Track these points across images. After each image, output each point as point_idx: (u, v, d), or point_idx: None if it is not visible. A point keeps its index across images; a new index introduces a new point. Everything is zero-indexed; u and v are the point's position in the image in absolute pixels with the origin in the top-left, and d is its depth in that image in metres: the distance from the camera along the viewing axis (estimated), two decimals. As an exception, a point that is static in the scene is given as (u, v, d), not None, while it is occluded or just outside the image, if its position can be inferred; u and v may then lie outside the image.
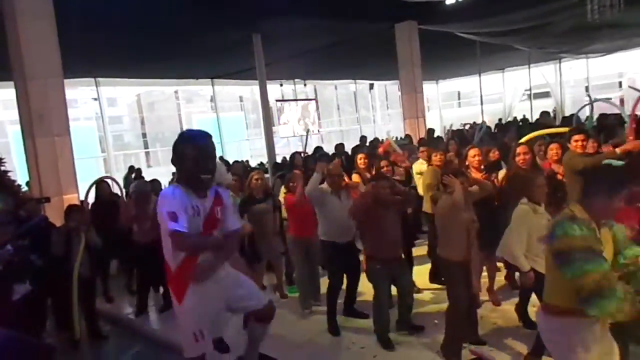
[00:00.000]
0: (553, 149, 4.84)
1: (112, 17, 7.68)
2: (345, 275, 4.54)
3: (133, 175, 11.10)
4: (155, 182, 6.56)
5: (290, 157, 8.66)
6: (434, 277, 5.12)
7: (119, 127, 19.34)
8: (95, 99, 14.32)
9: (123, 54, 10.30)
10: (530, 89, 19.01)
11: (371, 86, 21.14)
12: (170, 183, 2.98)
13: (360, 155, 5.99)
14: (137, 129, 18.49)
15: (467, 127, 12.79)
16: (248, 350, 3.28)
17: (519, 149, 4.52)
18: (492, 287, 4.64)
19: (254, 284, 3.21)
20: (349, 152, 9.62)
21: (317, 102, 17.44)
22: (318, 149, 11.08)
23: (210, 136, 2.87)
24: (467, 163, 4.66)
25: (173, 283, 2.77)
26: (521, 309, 3.99)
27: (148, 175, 10.92)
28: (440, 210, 3.73)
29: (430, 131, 11.93)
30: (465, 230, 3.54)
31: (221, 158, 11.32)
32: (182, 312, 2.74)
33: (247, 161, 13.64)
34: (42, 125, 6.19)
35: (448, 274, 3.68)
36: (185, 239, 2.60)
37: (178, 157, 2.78)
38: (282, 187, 5.47)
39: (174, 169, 3.01)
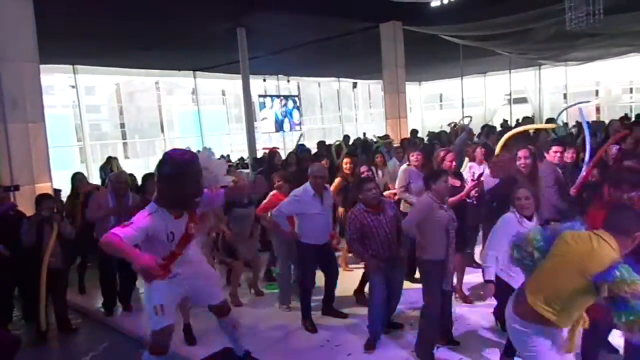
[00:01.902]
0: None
1: (94, 2, 7.50)
2: (324, 275, 4.55)
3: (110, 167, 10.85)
4: (130, 177, 6.34)
5: (269, 154, 8.60)
6: (407, 276, 5.14)
7: (97, 116, 18.90)
8: (73, 87, 13.98)
9: (103, 42, 10.09)
10: (510, 94, 19.34)
11: (354, 85, 21.19)
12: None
13: (345, 160, 6.02)
14: (115, 119, 18.09)
15: (453, 125, 12.87)
16: (232, 343, 3.61)
17: (520, 153, 4.34)
18: (461, 285, 4.70)
19: (217, 281, 3.41)
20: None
21: (299, 98, 17.40)
22: (300, 145, 11.07)
23: (197, 157, 2.99)
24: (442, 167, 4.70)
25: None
26: (499, 311, 4.04)
27: (126, 167, 10.73)
28: (417, 210, 3.73)
29: (414, 132, 12.02)
30: (444, 230, 3.54)
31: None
32: (148, 290, 3.01)
33: (228, 156, 13.54)
34: (16, 111, 5.99)
35: (425, 273, 3.66)
36: (110, 244, 2.61)
37: (171, 179, 2.85)
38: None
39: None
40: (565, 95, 19.95)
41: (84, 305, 5.62)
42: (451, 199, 4.07)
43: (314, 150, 10.37)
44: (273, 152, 8.43)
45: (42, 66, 6.35)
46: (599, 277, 2.08)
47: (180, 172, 2.84)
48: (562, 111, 8.60)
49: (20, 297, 5.20)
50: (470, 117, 9.27)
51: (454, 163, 4.89)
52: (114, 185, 5.05)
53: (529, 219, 3.29)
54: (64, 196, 6.65)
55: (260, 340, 4.19)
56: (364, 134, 12.20)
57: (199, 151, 3.27)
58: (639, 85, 19.39)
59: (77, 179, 6.36)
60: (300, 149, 10.38)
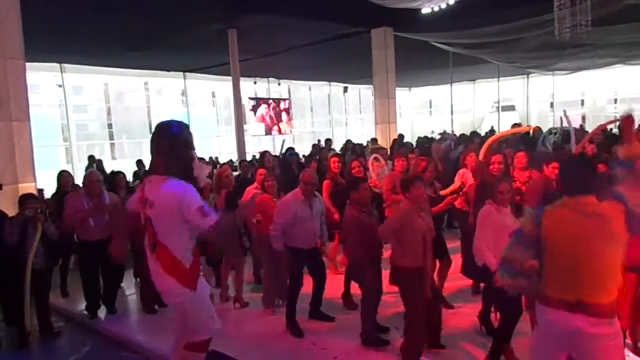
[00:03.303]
0: (519, 157, 4.97)
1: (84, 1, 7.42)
2: (312, 279, 4.53)
3: (94, 166, 10.70)
4: (119, 174, 6.20)
5: (261, 156, 8.57)
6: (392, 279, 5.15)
7: (84, 116, 18.71)
8: (60, 86, 13.81)
9: (91, 41, 9.98)
10: (498, 102, 19.56)
11: (345, 89, 21.26)
12: (163, 176, 2.76)
13: (333, 159, 5.89)
14: (102, 119, 17.90)
15: (436, 135, 13.02)
16: None
17: (493, 158, 4.63)
18: (442, 290, 4.69)
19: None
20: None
21: (290, 102, 17.39)
22: (289, 149, 11.04)
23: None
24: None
25: (187, 277, 2.80)
26: (484, 315, 4.06)
27: (113, 167, 10.58)
28: (396, 218, 3.70)
29: (400, 137, 12.07)
30: (422, 238, 3.52)
31: (201, 159, 11.05)
32: (198, 299, 2.86)
33: (217, 158, 13.47)
34: (0, 109, 5.88)
35: (403, 281, 3.61)
36: (219, 226, 2.80)
37: (184, 145, 2.79)
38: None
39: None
40: (552, 104, 20.24)
41: (66, 308, 5.52)
42: (433, 210, 4.11)
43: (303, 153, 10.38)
44: (264, 153, 8.40)
45: (28, 64, 6.25)
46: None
47: (186, 138, 2.82)
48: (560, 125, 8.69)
49: (0, 300, 5.08)
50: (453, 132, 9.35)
51: (500, 165, 4.74)
52: (91, 185, 4.92)
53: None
54: (48, 196, 6.54)
55: (246, 344, 4.16)
56: (349, 140, 12.22)
57: None
58: (624, 96, 19.74)
59: (64, 177, 6.23)
60: (289, 152, 10.36)
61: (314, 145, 10.75)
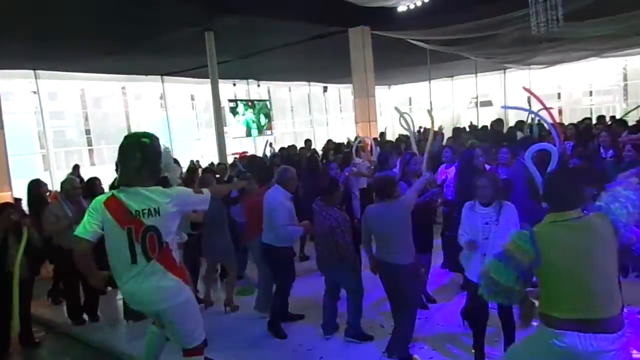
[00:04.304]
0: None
1: (55, 3, 7.25)
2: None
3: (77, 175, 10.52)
4: (96, 181, 6.11)
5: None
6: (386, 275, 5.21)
7: (61, 122, 18.33)
8: (35, 92, 13.51)
9: (66, 46, 9.82)
10: (477, 97, 19.80)
11: (325, 89, 21.28)
12: (137, 185, 2.82)
13: None
14: (80, 125, 17.56)
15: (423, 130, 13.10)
16: None
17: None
18: (425, 285, 4.79)
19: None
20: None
21: (270, 103, 17.35)
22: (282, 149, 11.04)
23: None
24: None
25: (184, 275, 3.01)
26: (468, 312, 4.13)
27: (92, 174, 10.41)
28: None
29: (382, 135, 12.15)
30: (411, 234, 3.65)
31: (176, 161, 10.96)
32: (193, 300, 3.03)
33: (198, 161, 13.35)
34: (-28, 118, 5.76)
35: (402, 277, 3.66)
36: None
37: (157, 156, 2.90)
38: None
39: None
40: (529, 99, 20.55)
41: (47, 317, 5.44)
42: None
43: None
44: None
45: (1, 72, 6.12)
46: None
47: (158, 146, 2.94)
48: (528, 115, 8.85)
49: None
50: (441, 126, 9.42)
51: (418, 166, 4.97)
52: (69, 193, 4.92)
53: (486, 205, 3.35)
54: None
55: (232, 347, 4.17)
56: (330, 140, 12.29)
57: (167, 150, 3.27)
58: (599, 89, 20.18)
59: (41, 185, 6.07)
60: (272, 153, 10.34)
61: (307, 142, 11.00)
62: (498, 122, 9.57)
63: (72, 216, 4.78)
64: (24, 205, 6.48)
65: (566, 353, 2.13)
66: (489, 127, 10.83)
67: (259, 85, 18.54)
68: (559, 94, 21.41)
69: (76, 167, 11.28)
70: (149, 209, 2.76)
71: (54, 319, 5.40)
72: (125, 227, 2.75)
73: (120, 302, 5.33)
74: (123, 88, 16.61)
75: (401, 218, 3.63)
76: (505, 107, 7.63)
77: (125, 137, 2.96)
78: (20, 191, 6.66)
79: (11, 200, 5.74)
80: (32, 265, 4.72)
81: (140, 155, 2.81)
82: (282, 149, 10.42)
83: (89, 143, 17.20)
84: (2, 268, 4.34)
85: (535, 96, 5.84)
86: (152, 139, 2.92)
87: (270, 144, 10.76)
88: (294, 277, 4.50)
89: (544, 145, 3.80)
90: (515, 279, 2.19)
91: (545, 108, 5.91)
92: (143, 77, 15.41)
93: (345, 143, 11.89)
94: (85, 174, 10.87)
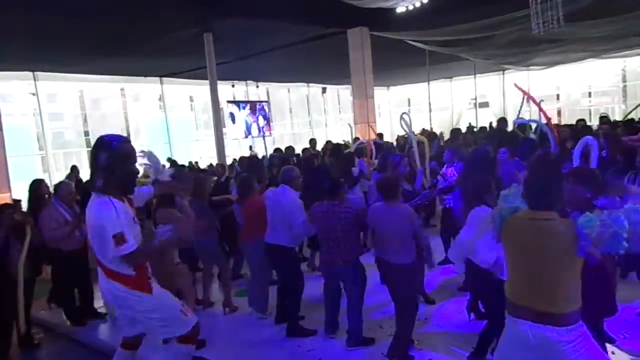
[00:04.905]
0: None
1: (54, 4, 7.24)
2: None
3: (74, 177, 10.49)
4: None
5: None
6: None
7: (60, 124, 18.28)
8: (33, 94, 13.52)
9: (65, 47, 9.82)
10: (475, 98, 19.82)
11: (324, 90, 21.30)
12: (92, 191, 2.83)
13: None
14: (79, 127, 17.53)
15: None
16: None
17: None
18: (423, 285, 4.78)
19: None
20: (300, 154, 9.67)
21: (269, 104, 17.35)
22: (276, 150, 11.04)
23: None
24: None
25: (135, 283, 2.85)
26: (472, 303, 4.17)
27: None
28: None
29: (380, 136, 12.15)
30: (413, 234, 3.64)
31: (169, 159, 11.01)
32: (159, 299, 2.93)
33: (197, 163, 13.35)
34: (-30, 119, 5.75)
35: (403, 277, 3.66)
36: (139, 256, 2.78)
37: (117, 161, 2.77)
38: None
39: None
40: (525, 99, 20.57)
41: (45, 319, 5.41)
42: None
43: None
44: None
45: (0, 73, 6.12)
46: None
47: (126, 152, 2.84)
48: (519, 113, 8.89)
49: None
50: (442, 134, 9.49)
51: (407, 168, 5.11)
52: (67, 198, 4.92)
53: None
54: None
55: (232, 347, 4.16)
56: (329, 141, 12.33)
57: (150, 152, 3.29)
58: (597, 90, 20.20)
59: (42, 185, 6.04)
60: (271, 155, 10.35)
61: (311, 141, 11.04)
62: (502, 121, 9.60)
63: (72, 221, 4.80)
64: (23, 207, 6.50)
65: (519, 340, 2.26)
66: (488, 128, 10.84)
67: (257, 87, 18.55)
68: (557, 95, 21.44)
69: (74, 169, 11.25)
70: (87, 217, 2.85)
71: (53, 320, 5.38)
72: None
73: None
74: (122, 89, 16.61)
75: (402, 220, 3.62)
76: (518, 121, 7.64)
77: (96, 141, 2.93)
78: (19, 193, 6.64)
79: (10, 202, 5.71)
80: (33, 265, 4.71)
81: (107, 158, 2.78)
82: (277, 149, 10.43)
83: (88, 144, 17.18)
84: (5, 268, 4.34)
85: (528, 95, 5.89)
86: (121, 141, 2.85)
87: (250, 147, 10.81)
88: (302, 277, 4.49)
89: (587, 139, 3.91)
90: None
91: (538, 106, 5.94)
92: (142, 78, 15.43)
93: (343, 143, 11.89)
94: (84, 175, 10.87)
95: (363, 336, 3.99)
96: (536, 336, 2.19)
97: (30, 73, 12.71)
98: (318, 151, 11.00)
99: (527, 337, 2.22)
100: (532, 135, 7.52)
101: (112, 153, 2.77)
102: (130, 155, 2.86)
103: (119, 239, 2.66)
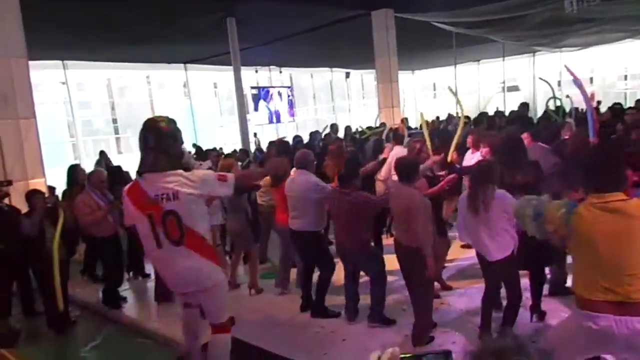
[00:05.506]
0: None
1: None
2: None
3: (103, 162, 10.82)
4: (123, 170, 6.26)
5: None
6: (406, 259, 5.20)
7: (88, 112, 18.76)
8: (63, 83, 13.86)
9: (92, 35, 9.98)
10: (504, 82, 19.29)
11: (347, 75, 21.10)
12: (143, 172, 2.87)
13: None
14: (107, 114, 17.96)
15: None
16: None
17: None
18: (441, 273, 4.75)
19: None
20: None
21: (292, 89, 17.32)
22: (296, 137, 11.07)
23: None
24: None
25: (217, 257, 3.08)
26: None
27: (119, 162, 10.67)
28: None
29: (405, 121, 12.01)
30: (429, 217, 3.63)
31: (195, 145, 11.19)
32: (221, 281, 3.05)
33: (221, 149, 13.50)
34: (6, 108, 5.93)
35: (414, 261, 3.63)
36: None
37: (172, 139, 2.87)
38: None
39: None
40: (559, 83, 19.93)
41: (80, 297, 5.64)
42: (429, 191, 4.17)
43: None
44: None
45: (31, 62, 6.28)
46: None
47: (172, 132, 2.91)
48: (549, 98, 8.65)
49: (18, 292, 5.18)
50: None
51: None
52: (100, 185, 5.05)
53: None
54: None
55: (255, 328, 4.25)
56: (348, 126, 12.28)
57: None
58: (634, 72, 19.35)
59: (79, 170, 6.21)
60: (295, 140, 10.40)
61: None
62: (523, 106, 9.39)
63: (108, 205, 4.96)
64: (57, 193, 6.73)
65: (602, 335, 2.12)
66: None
67: (280, 72, 18.51)
68: (591, 78, 20.67)
69: (102, 153, 11.60)
70: (167, 194, 2.76)
71: (88, 299, 5.60)
72: (146, 213, 2.80)
73: (151, 285, 5.48)
74: (147, 77, 16.85)
75: (410, 202, 3.57)
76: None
77: (143, 123, 2.96)
78: (52, 179, 6.87)
79: (45, 188, 5.93)
80: (67, 247, 4.92)
81: (155, 139, 2.82)
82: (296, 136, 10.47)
83: (116, 131, 17.58)
84: (40, 249, 4.52)
85: (577, 79, 5.64)
86: (167, 122, 2.91)
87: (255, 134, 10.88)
88: None
89: None
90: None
91: (584, 91, 5.70)
92: (166, 65, 15.59)
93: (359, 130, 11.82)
94: (113, 162, 11.16)
95: (386, 316, 4.01)
96: (622, 331, 2.07)
97: (60, 62, 13.01)
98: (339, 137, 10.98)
99: (610, 332, 2.10)
100: (569, 119, 7.33)
101: (160, 133, 2.83)
102: (177, 135, 2.92)
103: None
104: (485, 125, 8.63)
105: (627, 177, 2.25)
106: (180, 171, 2.83)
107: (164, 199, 2.76)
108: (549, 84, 7.28)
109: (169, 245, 2.80)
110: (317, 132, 11.72)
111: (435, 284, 4.22)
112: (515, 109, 10.96)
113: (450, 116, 13.88)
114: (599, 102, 12.52)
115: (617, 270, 2.11)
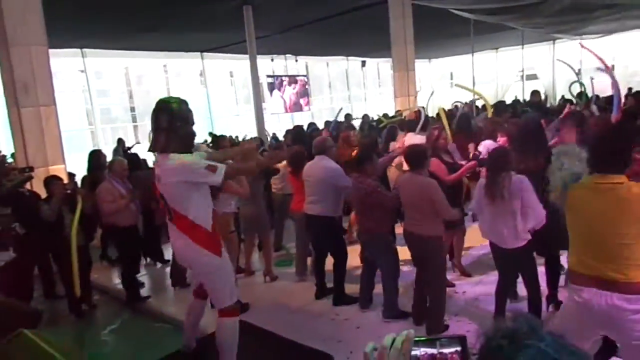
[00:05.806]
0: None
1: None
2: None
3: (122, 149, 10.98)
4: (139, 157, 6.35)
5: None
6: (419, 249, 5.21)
7: (106, 100, 19.02)
8: (82, 71, 14.04)
9: (110, 24, 10.06)
10: (522, 70, 18.92)
11: (363, 64, 20.93)
12: (154, 151, 2.96)
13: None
14: (125, 102, 18.19)
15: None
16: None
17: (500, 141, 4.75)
18: (460, 259, 4.77)
19: None
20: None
21: (308, 78, 17.28)
22: (311, 124, 11.08)
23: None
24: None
25: (210, 241, 2.96)
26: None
27: (137, 150, 10.81)
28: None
29: (418, 111, 11.87)
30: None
31: (211, 134, 11.26)
32: (224, 264, 3.03)
33: (237, 137, 13.56)
34: (27, 95, 6.05)
35: (437, 249, 3.64)
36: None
37: (183, 120, 2.88)
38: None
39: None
40: (579, 71, 19.46)
41: (100, 282, 5.79)
42: (450, 177, 4.14)
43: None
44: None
45: (50, 51, 6.37)
46: None
47: (184, 113, 2.91)
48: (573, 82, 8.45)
49: (40, 275, 5.33)
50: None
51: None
52: (121, 173, 5.04)
53: None
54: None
55: (271, 314, 4.30)
56: (366, 115, 12.19)
57: None
58: (657, 60, 18.85)
59: (101, 156, 6.11)
60: (311, 127, 10.40)
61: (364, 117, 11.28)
62: (535, 94, 9.26)
63: (129, 193, 4.96)
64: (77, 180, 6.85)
65: (585, 309, 2.20)
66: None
67: (296, 61, 18.45)
68: (613, 66, 20.14)
69: (120, 141, 11.77)
70: (158, 176, 2.91)
71: (108, 284, 5.74)
72: (158, 191, 2.99)
73: (167, 271, 5.58)
74: (165, 66, 16.98)
75: (422, 191, 3.54)
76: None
77: (156, 103, 2.98)
78: (71, 166, 6.99)
79: (65, 174, 6.04)
80: (85, 233, 5.01)
81: (167, 120, 2.86)
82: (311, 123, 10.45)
83: (134, 120, 17.80)
84: (59, 234, 4.64)
85: (604, 62, 5.50)
86: (179, 103, 2.92)
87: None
88: None
89: None
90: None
91: (606, 66, 5.56)
92: (183, 53, 15.66)
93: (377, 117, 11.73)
94: (132, 149, 11.29)
95: (400, 310, 4.00)
96: (601, 304, 2.13)
97: (79, 50, 13.16)
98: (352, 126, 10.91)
99: (590, 306, 2.16)
100: (593, 107, 7.17)
101: (173, 114, 2.87)
102: (188, 116, 2.94)
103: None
104: (509, 114, 8.47)
105: (632, 161, 2.22)
106: (174, 155, 2.84)
107: (158, 180, 2.93)
108: (570, 67, 7.10)
109: (169, 221, 2.99)
110: (331, 121, 11.68)
111: (450, 273, 4.22)
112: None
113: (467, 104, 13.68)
114: (629, 90, 12.21)
115: (601, 248, 2.18)
